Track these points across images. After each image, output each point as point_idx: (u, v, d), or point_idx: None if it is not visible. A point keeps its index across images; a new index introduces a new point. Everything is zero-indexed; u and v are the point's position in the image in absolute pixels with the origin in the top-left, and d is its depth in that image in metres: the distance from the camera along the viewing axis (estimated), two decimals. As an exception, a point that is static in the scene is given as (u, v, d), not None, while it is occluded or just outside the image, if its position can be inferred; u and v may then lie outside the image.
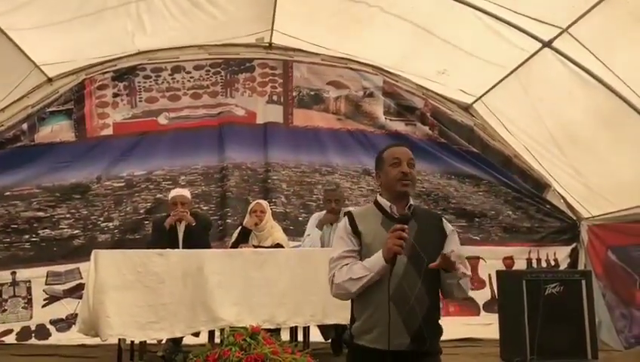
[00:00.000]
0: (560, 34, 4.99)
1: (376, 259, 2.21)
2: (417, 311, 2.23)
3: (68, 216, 6.33)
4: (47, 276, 6.15)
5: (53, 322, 6.04)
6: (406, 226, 2.19)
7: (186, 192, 5.35)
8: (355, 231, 2.33)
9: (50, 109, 6.43)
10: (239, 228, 5.42)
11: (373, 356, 2.23)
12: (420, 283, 2.25)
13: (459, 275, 2.24)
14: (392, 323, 2.17)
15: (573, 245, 6.70)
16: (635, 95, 4.88)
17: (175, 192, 5.32)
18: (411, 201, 2.38)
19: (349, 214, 2.42)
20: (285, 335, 4.84)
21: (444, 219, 2.46)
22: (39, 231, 6.24)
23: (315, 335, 5.07)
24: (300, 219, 6.53)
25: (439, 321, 2.36)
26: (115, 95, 6.62)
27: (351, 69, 6.95)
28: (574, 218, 6.72)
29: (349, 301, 2.39)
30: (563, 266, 6.62)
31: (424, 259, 2.26)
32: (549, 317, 4.66)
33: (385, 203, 2.37)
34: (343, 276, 2.28)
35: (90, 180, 6.43)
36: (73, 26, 5.52)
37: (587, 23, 4.70)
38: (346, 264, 2.30)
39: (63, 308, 6.08)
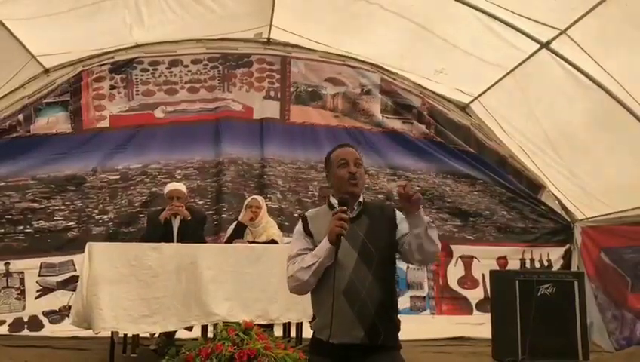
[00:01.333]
0: (558, 35, 5.00)
1: (323, 244, 2.31)
2: (369, 305, 2.29)
3: (62, 207, 6.33)
4: (40, 267, 6.14)
5: (46, 314, 6.04)
6: (345, 208, 2.30)
7: (182, 187, 5.35)
8: (308, 233, 2.43)
9: (46, 100, 6.43)
10: (234, 223, 5.42)
11: (331, 349, 2.29)
12: (370, 278, 2.31)
13: (422, 218, 2.29)
14: (346, 317, 2.27)
15: (567, 246, 6.73)
16: (631, 97, 4.90)
17: (171, 186, 5.32)
18: (361, 199, 2.46)
19: (303, 216, 2.52)
20: (278, 331, 4.85)
21: (396, 211, 2.51)
22: (33, 223, 6.23)
23: (308, 332, 5.07)
24: (295, 215, 6.53)
25: (395, 317, 2.41)
26: (112, 87, 6.61)
27: (349, 66, 6.95)
28: (568, 219, 6.74)
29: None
30: (556, 267, 6.66)
31: (374, 254, 2.34)
32: (541, 317, 4.68)
33: (335, 202, 2.44)
34: (295, 267, 2.37)
35: (85, 172, 6.42)
36: (71, 17, 5.50)
37: (585, 25, 4.71)
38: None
39: (57, 300, 6.08)
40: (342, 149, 2.54)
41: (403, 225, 2.43)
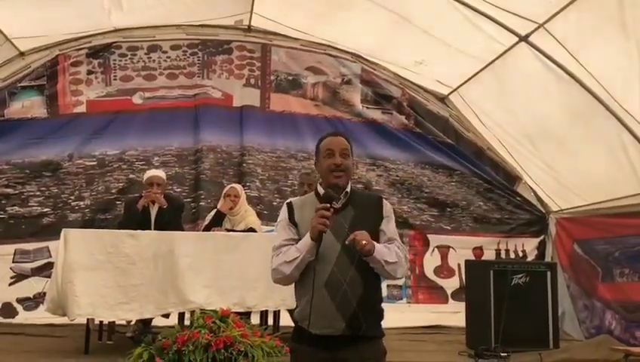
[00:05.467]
0: (536, 29, 5.05)
1: (305, 240, 2.29)
2: (351, 298, 2.29)
3: (38, 193, 6.24)
4: (14, 254, 6.07)
5: (20, 301, 5.97)
6: (328, 205, 2.26)
7: (161, 173, 5.31)
8: (292, 221, 2.40)
9: (21, 84, 6.32)
10: (213, 211, 5.41)
11: (312, 338, 2.29)
12: (352, 270, 2.30)
13: (377, 259, 2.28)
14: (327, 309, 2.26)
15: (542, 237, 6.84)
16: (606, 92, 4.98)
17: (151, 173, 5.27)
18: (348, 189, 2.42)
19: (289, 204, 2.48)
20: (255, 319, 4.87)
21: (384, 201, 2.49)
22: (7, 208, 6.15)
23: (286, 320, 5.10)
24: (275, 203, 6.54)
25: (379, 305, 2.42)
26: (90, 72, 6.52)
27: (330, 55, 6.93)
28: (543, 211, 6.85)
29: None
30: (531, 257, 6.76)
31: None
32: (515, 306, 4.77)
33: (323, 192, 2.41)
34: (279, 260, 2.35)
35: (61, 158, 6.33)
36: (47, -1, 5.40)
37: (563, 19, 4.77)
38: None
39: (31, 287, 6.01)
40: (330, 138, 2.45)
41: (385, 221, 2.41)
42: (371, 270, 2.36)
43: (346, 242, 2.26)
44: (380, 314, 2.42)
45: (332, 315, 2.27)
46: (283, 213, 2.45)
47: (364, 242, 2.22)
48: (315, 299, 2.24)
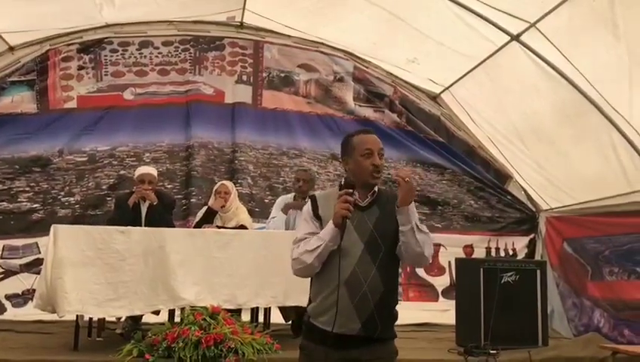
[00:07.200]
0: (528, 28, 5.07)
1: (328, 227, 2.27)
2: (370, 298, 2.27)
3: (27, 189, 6.20)
4: (3, 250, 6.03)
5: (8, 297, 5.93)
6: (351, 190, 2.25)
7: (153, 170, 5.29)
8: (316, 215, 2.38)
9: (11, 79, 6.26)
10: (204, 208, 5.40)
11: (325, 336, 2.27)
12: (374, 270, 2.28)
13: (409, 216, 2.24)
14: (344, 308, 2.24)
15: (532, 236, 6.87)
16: (597, 91, 5.01)
17: (143, 170, 5.25)
18: (375, 188, 2.39)
19: (313, 197, 2.45)
20: (246, 316, 4.86)
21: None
22: (-4, 204, 6.10)
23: (276, 317, 5.11)
24: (266, 201, 6.54)
25: (395, 308, 2.39)
26: (80, 68, 6.47)
27: (322, 52, 6.92)
28: (533, 209, 6.89)
29: (309, 282, 2.43)
30: (521, 256, 6.80)
31: (381, 246, 2.30)
32: (504, 304, 4.80)
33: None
34: (300, 250, 2.33)
35: (51, 153, 6.29)
36: (38, -7, 5.35)
37: (554, 18, 4.78)
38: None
39: (20, 283, 5.97)
40: (366, 136, 2.40)
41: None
42: (393, 270, 2.35)
43: (390, 175, 2.25)
44: (395, 317, 2.40)
45: (349, 315, 2.25)
46: (307, 206, 2.44)
47: (408, 179, 2.21)
48: (333, 296, 2.22)
